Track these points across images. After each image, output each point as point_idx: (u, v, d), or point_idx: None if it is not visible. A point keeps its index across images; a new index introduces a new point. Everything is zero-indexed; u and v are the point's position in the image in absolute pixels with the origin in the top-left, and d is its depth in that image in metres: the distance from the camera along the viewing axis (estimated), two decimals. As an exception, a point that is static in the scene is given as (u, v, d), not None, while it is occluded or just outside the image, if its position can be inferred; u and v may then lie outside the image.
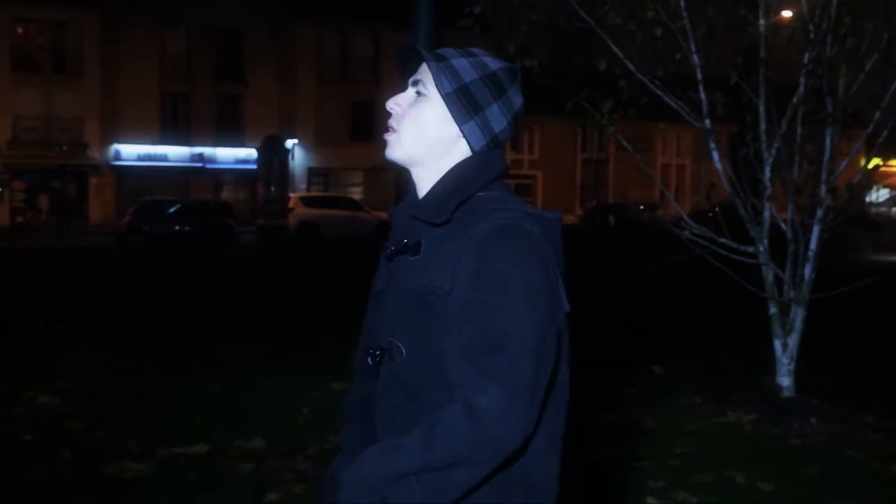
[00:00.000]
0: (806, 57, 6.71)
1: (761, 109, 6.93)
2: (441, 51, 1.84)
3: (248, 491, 4.94)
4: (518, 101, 1.84)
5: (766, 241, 6.95)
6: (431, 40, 3.91)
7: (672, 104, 6.89)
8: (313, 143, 45.21)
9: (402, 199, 1.98)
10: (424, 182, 1.84)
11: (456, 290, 1.65)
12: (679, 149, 52.09)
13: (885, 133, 6.77)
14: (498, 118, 1.80)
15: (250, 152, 39.49)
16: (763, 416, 6.64)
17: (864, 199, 8.07)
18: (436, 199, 1.77)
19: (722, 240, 6.97)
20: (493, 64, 1.82)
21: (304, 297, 13.58)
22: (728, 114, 6.95)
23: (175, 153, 43.51)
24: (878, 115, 6.76)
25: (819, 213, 6.84)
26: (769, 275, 6.98)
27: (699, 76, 6.98)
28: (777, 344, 7.03)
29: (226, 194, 43.24)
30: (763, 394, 7.05)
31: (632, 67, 6.83)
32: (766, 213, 7.00)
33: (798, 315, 6.96)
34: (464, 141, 1.80)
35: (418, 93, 1.82)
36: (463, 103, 1.78)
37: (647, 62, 6.96)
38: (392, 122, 1.84)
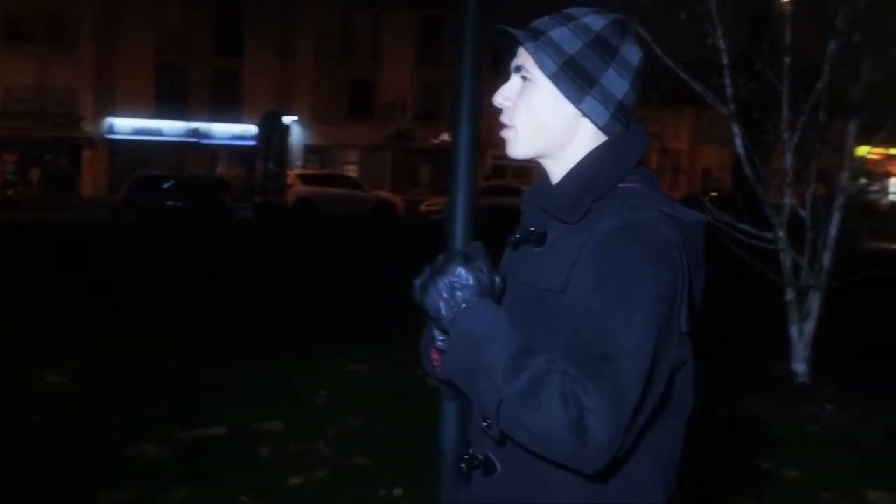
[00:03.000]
0: (832, 44, 6.63)
1: (785, 95, 6.86)
2: (536, 24, 1.64)
3: (269, 475, 4.89)
4: (635, 56, 1.63)
5: (785, 227, 6.91)
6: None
7: (696, 89, 6.80)
8: (310, 120, 44.98)
9: (534, 183, 1.79)
10: (556, 172, 1.67)
11: (571, 290, 1.51)
12: (676, 133, 51.99)
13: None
14: (617, 83, 1.61)
15: (247, 128, 39.33)
16: (779, 402, 6.62)
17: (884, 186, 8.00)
18: (570, 194, 1.60)
19: (741, 225, 6.91)
20: (596, 23, 1.61)
21: (312, 278, 13.49)
22: (754, 100, 6.86)
23: (170, 127, 43.21)
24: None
25: (840, 199, 6.79)
26: (787, 261, 6.94)
27: (725, 61, 6.89)
28: (793, 330, 6.99)
29: (221, 170, 42.99)
30: (778, 380, 7.02)
31: (658, 51, 6.74)
32: (787, 200, 6.94)
33: (815, 301, 6.93)
34: (587, 119, 1.62)
35: (524, 78, 1.64)
36: (573, 79, 1.59)
37: (672, 46, 6.87)
38: (504, 118, 1.67)
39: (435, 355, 1.69)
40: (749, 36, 7.41)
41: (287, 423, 5.76)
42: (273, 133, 28.85)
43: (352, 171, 44.12)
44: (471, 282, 1.57)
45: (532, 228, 1.66)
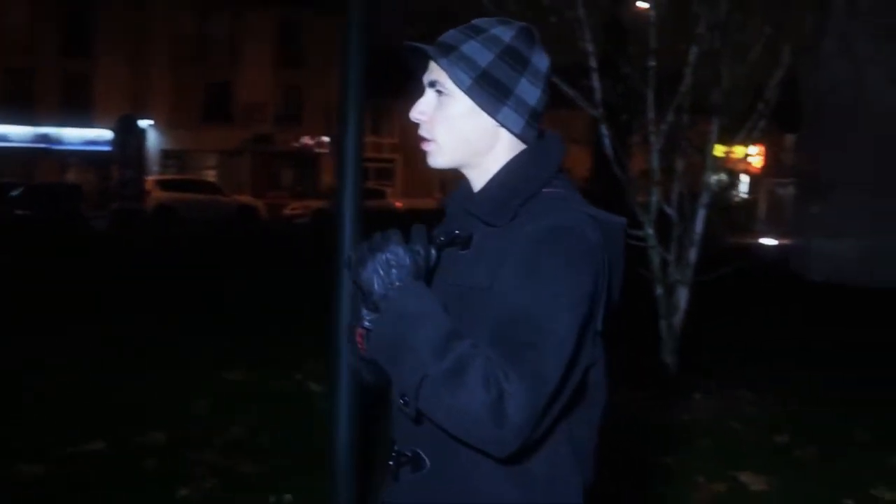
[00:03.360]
0: (694, 49, 6.94)
1: (650, 98, 7.14)
2: (445, 39, 1.67)
3: (156, 487, 4.77)
4: (544, 63, 1.68)
5: (653, 225, 7.18)
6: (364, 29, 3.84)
7: (568, 92, 7.00)
8: (167, 124, 43.78)
9: (455, 190, 1.84)
10: (478, 179, 1.73)
11: (496, 286, 1.57)
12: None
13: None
14: (530, 91, 1.65)
15: (100, 133, 38.01)
16: (651, 393, 6.88)
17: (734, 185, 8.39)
18: (496, 198, 1.66)
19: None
20: (505, 35, 1.65)
21: (177, 285, 13.16)
22: (621, 102, 7.12)
23: (17, 133, 41.27)
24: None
25: (704, 197, 7.11)
26: (655, 257, 7.22)
27: (593, 65, 7.12)
28: (662, 324, 7.29)
29: (73, 177, 41.28)
30: (650, 372, 7.29)
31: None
32: (654, 198, 7.22)
33: (682, 296, 7.24)
34: (504, 130, 1.68)
35: (439, 92, 1.68)
36: (489, 91, 1.63)
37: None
38: (423, 132, 1.71)
39: (360, 333, 1.69)
40: (615, 40, 7.67)
41: (169, 434, 5.62)
42: (129, 138, 28.00)
43: (211, 175, 43.20)
44: (407, 261, 1.60)
45: (457, 231, 1.70)
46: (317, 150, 48.41)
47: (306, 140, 47.98)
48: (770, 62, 7.01)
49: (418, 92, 1.74)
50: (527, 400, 1.44)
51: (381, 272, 1.59)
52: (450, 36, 1.68)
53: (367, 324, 1.65)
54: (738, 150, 7.93)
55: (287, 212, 34.08)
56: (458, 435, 1.51)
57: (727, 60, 6.92)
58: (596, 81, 7.17)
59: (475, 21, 1.70)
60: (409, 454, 1.69)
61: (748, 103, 7.32)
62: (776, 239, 23.17)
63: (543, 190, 1.66)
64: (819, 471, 5.28)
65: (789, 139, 21.70)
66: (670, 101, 7.07)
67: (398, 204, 37.75)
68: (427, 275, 1.64)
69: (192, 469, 5.04)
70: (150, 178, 32.07)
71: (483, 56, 1.63)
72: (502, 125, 1.66)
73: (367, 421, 4.09)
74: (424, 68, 1.71)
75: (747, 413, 6.56)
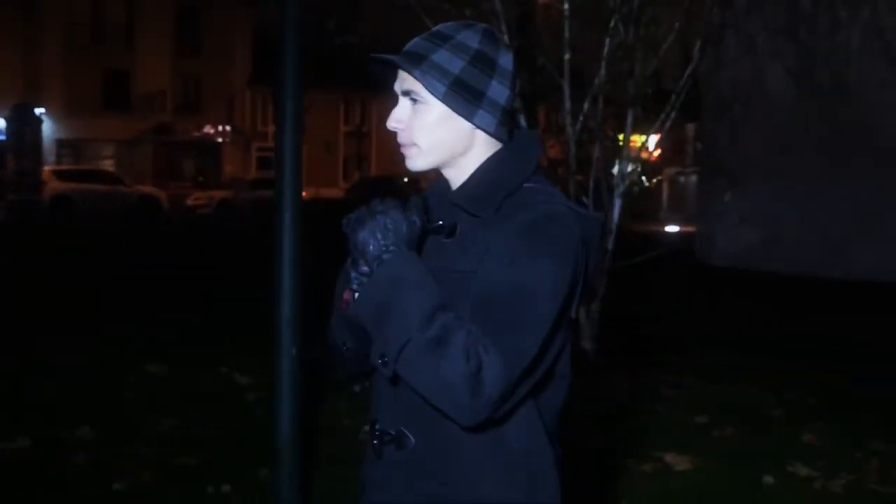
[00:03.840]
0: (608, 42, 7.14)
1: (566, 90, 7.31)
2: (413, 48, 1.74)
3: (90, 481, 4.73)
4: (509, 62, 1.76)
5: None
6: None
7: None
8: (61, 112, 42.51)
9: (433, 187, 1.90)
10: (456, 178, 1.82)
11: (481, 270, 1.66)
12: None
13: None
14: (500, 92, 1.74)
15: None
16: (573, 378, 7.06)
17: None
18: (479, 191, 1.75)
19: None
20: (471, 40, 1.72)
21: (84, 277, 12.88)
22: (538, 93, 7.28)
23: None
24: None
25: (621, 186, 7.33)
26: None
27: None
28: (581, 310, 7.49)
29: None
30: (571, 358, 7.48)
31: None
32: (571, 188, 7.41)
33: (601, 283, 7.44)
34: (480, 131, 1.76)
35: (413, 101, 1.75)
36: (463, 97, 1.71)
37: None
38: (401, 139, 1.78)
39: (346, 295, 1.76)
40: (530, 33, 7.82)
41: (96, 429, 5.56)
42: (25, 126, 27.07)
43: (108, 165, 42.17)
44: (403, 228, 1.67)
45: (440, 222, 1.78)
46: (218, 140, 47.71)
47: (207, 129, 47.22)
48: (680, 55, 7.25)
49: (391, 100, 1.80)
50: (503, 373, 1.56)
51: (379, 235, 1.66)
52: (417, 45, 1.74)
53: (355, 285, 1.71)
54: (639, 140, 8.17)
55: (190, 202, 33.49)
56: (432, 400, 1.61)
57: (640, 54, 7.14)
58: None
59: (439, 28, 1.76)
60: (394, 433, 1.77)
61: (658, 95, 7.56)
62: (679, 226, 23.87)
63: (524, 185, 1.76)
64: (738, 449, 5.51)
65: (690, 128, 22.33)
66: (585, 93, 7.25)
67: (303, 193, 37.41)
68: (417, 242, 1.72)
69: (124, 462, 5.01)
70: (46, 168, 31.08)
71: (454, 63, 1.70)
72: (479, 127, 1.74)
73: (307, 410, 4.15)
74: (392, 77, 1.79)
75: (667, 396, 6.78)
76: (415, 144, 1.76)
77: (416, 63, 1.71)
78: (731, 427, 5.94)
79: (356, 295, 1.70)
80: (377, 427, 1.82)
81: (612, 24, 7.06)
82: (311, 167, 47.96)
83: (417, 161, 1.78)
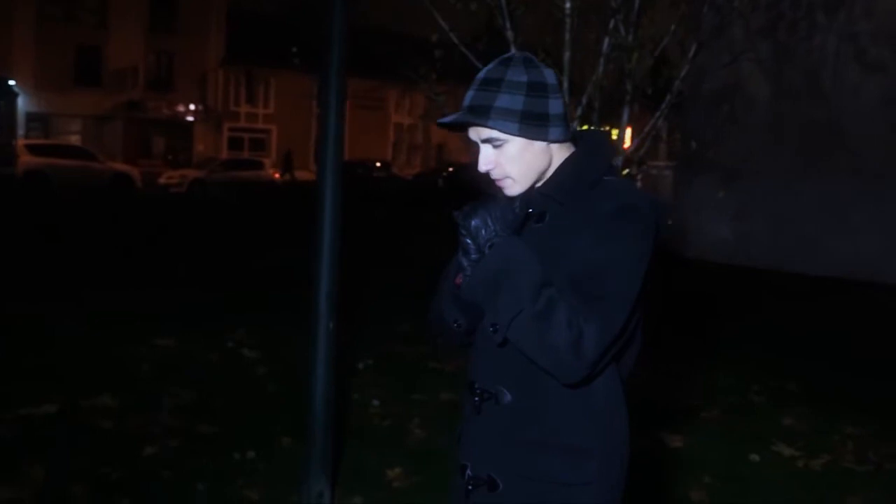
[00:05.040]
0: (606, 41, 7.43)
1: (566, 86, 7.60)
2: (473, 102, 1.99)
3: (120, 448, 4.98)
4: (553, 77, 2.04)
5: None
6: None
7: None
8: (32, 86, 42.05)
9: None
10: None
11: (574, 249, 1.94)
12: (411, 108, 53.40)
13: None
14: (557, 105, 2.04)
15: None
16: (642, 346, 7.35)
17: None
18: (566, 183, 2.03)
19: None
20: (519, 76, 1.97)
21: (68, 255, 13.01)
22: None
23: None
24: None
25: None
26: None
27: (513, 52, 7.54)
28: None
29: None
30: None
31: (455, 39, 7.27)
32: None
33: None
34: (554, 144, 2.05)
35: (494, 146, 2.00)
36: (533, 125, 1.97)
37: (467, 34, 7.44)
38: (496, 175, 2.04)
39: (459, 279, 2.03)
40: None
41: (117, 398, 5.81)
42: (0, 100, 26.88)
43: (74, 140, 41.79)
44: (509, 217, 1.99)
45: (530, 210, 2.05)
46: (189, 119, 47.48)
47: (179, 108, 46.99)
48: (676, 55, 7.56)
49: (472, 146, 2.06)
50: (599, 338, 1.86)
51: (490, 223, 1.95)
52: (476, 98, 1.99)
53: (468, 270, 1.98)
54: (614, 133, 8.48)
55: (162, 181, 33.38)
56: (539, 361, 1.90)
57: (636, 55, 7.44)
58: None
59: (486, 76, 2.00)
60: (493, 391, 2.06)
61: (654, 94, 7.86)
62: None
63: (605, 178, 2.04)
64: (725, 430, 5.89)
65: (664, 124, 22.67)
66: (584, 90, 7.54)
67: (276, 175, 37.48)
68: (518, 230, 2.01)
69: (149, 430, 5.26)
70: (20, 142, 30.82)
71: (515, 102, 1.96)
72: (553, 142, 2.03)
73: (340, 379, 4.43)
74: (463, 129, 2.06)
75: (649, 380, 7.11)
76: (508, 177, 2.03)
77: (485, 116, 1.96)
78: (717, 409, 6.31)
79: (469, 276, 1.98)
80: (476, 387, 2.10)
81: (611, 25, 7.34)
82: (285, 149, 47.98)
83: (515, 189, 2.05)
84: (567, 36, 7.55)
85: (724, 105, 15.15)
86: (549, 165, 2.06)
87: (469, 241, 1.99)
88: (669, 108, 7.75)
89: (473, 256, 1.98)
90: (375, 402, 6.08)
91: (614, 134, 8.34)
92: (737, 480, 5.01)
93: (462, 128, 2.06)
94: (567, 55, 7.58)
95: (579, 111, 7.55)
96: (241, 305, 9.10)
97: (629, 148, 7.89)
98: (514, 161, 2.01)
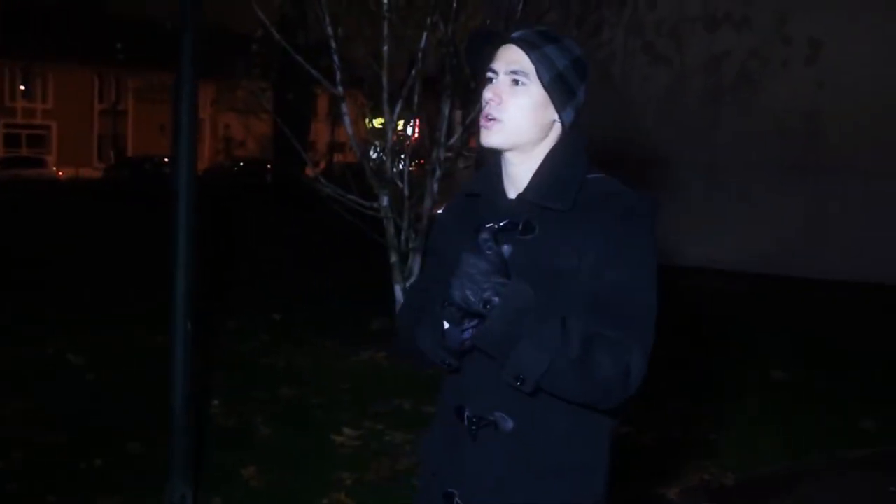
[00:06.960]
0: (424, 37, 7.64)
1: (384, 80, 7.75)
2: (525, 36, 1.87)
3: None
4: (589, 72, 1.92)
5: (388, 197, 7.81)
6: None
7: (311, 72, 7.46)
8: None
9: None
10: (522, 165, 1.92)
11: (585, 265, 1.80)
12: (202, 102, 51.99)
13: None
14: (582, 97, 1.90)
15: None
16: (392, 352, 7.49)
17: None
18: (553, 185, 1.87)
19: (351, 196, 7.74)
20: (575, 48, 1.88)
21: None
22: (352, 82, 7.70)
23: None
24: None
25: (438, 172, 7.86)
26: (390, 227, 7.85)
27: (333, 46, 7.62)
28: (397, 289, 7.95)
29: None
30: (385, 334, 7.93)
31: (276, 35, 7.29)
32: (392, 172, 7.86)
33: (416, 262, 7.94)
34: (558, 124, 1.91)
35: (515, 82, 1.86)
36: (561, 90, 1.85)
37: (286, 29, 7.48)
38: (489, 110, 1.87)
39: (456, 344, 1.81)
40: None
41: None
42: None
43: None
44: (483, 266, 1.73)
45: (504, 221, 1.85)
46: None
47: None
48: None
49: (483, 80, 1.92)
50: (643, 364, 1.76)
51: (468, 286, 1.71)
52: (528, 35, 1.88)
53: (468, 333, 1.78)
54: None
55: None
56: (579, 400, 1.78)
57: (456, 48, 7.68)
58: (337, 62, 7.67)
59: (546, 30, 1.91)
60: (491, 418, 1.87)
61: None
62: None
63: (588, 176, 1.91)
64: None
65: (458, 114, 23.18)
66: (405, 83, 7.73)
67: (60, 173, 35.69)
68: (505, 267, 1.77)
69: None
70: None
71: (560, 60, 1.86)
72: (561, 121, 1.90)
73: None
74: (484, 56, 1.92)
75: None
76: (500, 120, 1.87)
77: (532, 48, 1.85)
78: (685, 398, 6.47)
79: (474, 339, 1.77)
80: (467, 413, 1.90)
81: (429, 20, 7.55)
82: (66, 146, 45.70)
83: (496, 136, 1.88)
84: (386, 31, 7.72)
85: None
86: (536, 146, 1.92)
87: (459, 314, 1.77)
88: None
89: (472, 324, 1.78)
90: (215, 402, 6.02)
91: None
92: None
93: (481, 53, 1.92)
94: (386, 48, 7.75)
95: (400, 103, 7.75)
96: (57, 307, 8.74)
97: (452, 138, 8.13)
98: (519, 110, 1.87)
